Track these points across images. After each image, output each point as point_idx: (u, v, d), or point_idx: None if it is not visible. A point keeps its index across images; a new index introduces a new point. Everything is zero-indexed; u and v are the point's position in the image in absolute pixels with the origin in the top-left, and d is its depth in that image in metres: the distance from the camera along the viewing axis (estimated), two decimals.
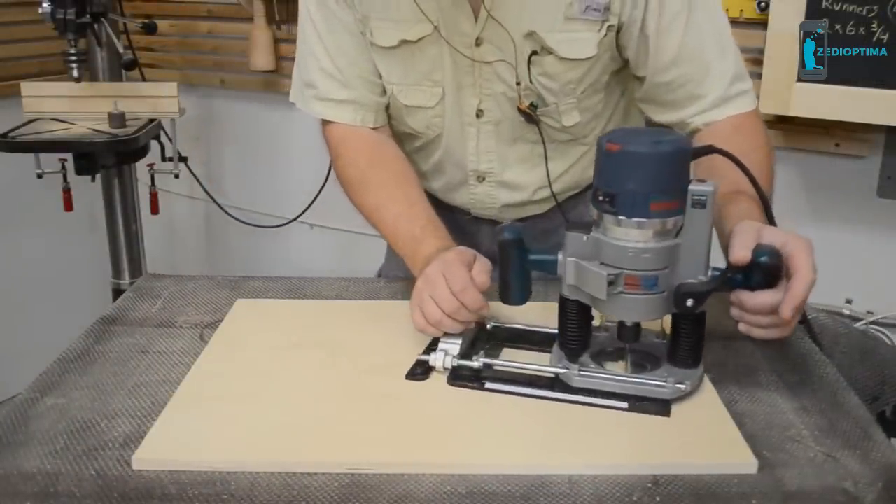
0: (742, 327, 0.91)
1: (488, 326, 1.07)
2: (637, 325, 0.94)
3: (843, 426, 0.89)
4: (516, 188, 1.30)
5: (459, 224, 1.35)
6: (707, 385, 0.95)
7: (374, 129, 1.26)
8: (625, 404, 0.91)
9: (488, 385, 0.95)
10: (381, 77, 1.23)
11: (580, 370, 0.93)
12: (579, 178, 1.31)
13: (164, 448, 0.85)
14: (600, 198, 0.88)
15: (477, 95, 1.20)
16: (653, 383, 0.92)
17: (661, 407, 0.90)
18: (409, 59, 1.19)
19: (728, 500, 0.78)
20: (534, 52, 1.14)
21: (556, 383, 0.95)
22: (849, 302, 1.96)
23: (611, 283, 0.88)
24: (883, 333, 1.88)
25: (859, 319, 1.93)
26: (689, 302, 0.88)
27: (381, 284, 1.29)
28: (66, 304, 2.57)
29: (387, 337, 1.07)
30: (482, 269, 1.01)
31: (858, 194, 1.92)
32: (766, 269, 0.86)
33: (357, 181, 1.24)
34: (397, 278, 1.31)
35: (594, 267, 0.89)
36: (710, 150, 0.95)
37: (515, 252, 0.95)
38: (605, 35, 1.14)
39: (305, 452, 0.85)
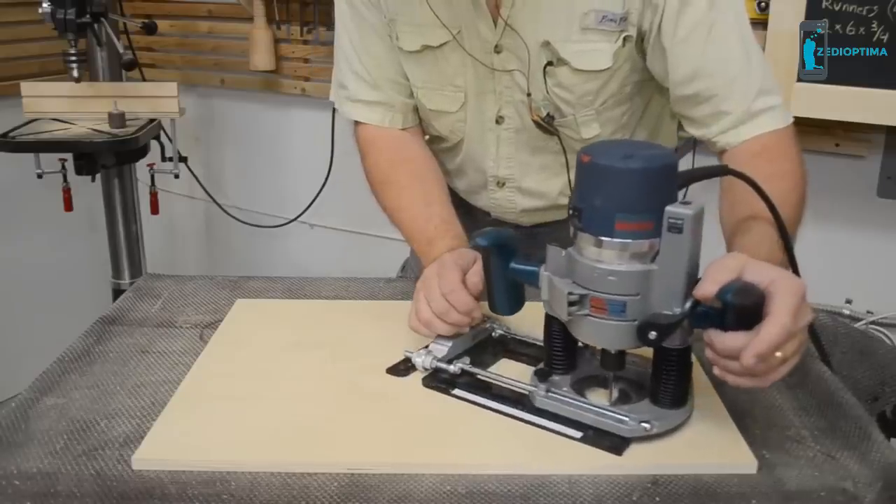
0: (716, 371, 0.80)
1: (494, 334, 1.06)
2: (621, 353, 0.88)
3: (842, 426, 0.89)
4: (536, 195, 1.29)
5: (480, 226, 1.34)
6: (707, 385, 0.94)
7: (402, 129, 1.26)
8: (579, 434, 0.86)
9: (456, 392, 0.94)
10: (408, 79, 1.24)
11: (548, 391, 0.89)
12: None
13: (164, 448, 0.85)
14: (570, 211, 0.83)
15: (497, 102, 1.20)
16: (614, 417, 0.85)
17: (615, 443, 0.83)
18: (432, 64, 1.20)
19: (728, 500, 0.78)
20: (549, 63, 1.12)
21: (526, 400, 0.91)
22: (849, 302, 1.95)
23: (573, 304, 0.83)
24: (883, 333, 1.87)
25: (859, 319, 1.93)
26: (652, 334, 0.80)
27: (381, 284, 1.29)
28: (66, 304, 2.57)
29: (387, 337, 1.06)
30: (476, 272, 1.01)
31: (858, 194, 1.92)
32: (735, 309, 0.76)
33: (380, 182, 1.24)
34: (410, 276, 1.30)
35: (560, 284, 0.85)
36: (719, 171, 0.90)
37: (494, 259, 0.92)
38: (623, 46, 1.11)
39: (305, 452, 0.85)
